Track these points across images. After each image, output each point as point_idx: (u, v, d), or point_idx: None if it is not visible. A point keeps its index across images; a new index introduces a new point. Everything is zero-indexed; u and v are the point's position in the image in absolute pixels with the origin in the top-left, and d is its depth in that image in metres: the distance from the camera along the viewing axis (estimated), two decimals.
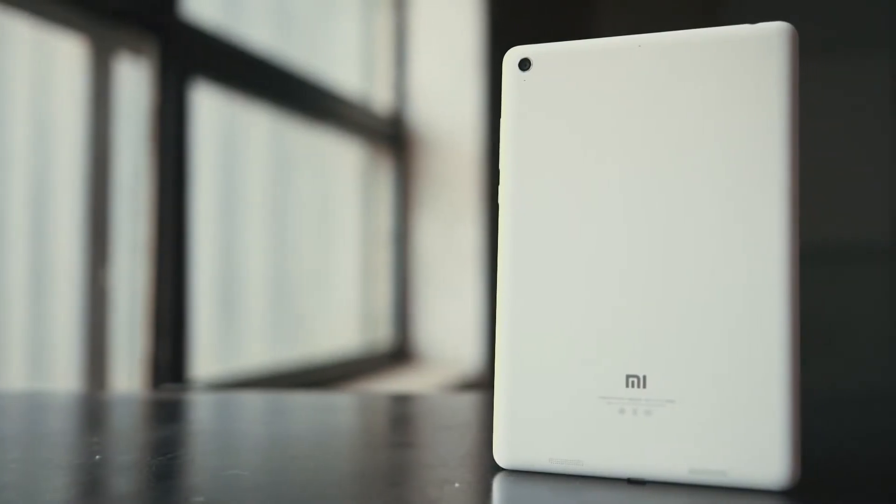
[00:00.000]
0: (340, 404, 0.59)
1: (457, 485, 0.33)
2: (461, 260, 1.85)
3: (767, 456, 0.31)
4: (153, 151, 1.07)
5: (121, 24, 1.05)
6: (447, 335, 1.86)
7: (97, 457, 0.38)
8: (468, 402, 0.61)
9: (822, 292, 2.23)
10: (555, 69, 0.36)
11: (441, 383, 1.64)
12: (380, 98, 1.87)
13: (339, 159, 1.72)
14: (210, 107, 1.26)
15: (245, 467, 0.37)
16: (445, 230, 1.86)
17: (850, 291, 2.33)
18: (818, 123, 2.15)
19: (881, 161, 2.32)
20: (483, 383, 1.77)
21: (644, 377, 0.33)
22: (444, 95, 1.88)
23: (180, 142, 1.11)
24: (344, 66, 1.76)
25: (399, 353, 1.86)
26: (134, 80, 1.08)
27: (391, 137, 1.86)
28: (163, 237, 1.08)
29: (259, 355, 1.41)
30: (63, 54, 1.02)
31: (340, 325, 1.70)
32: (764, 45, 0.33)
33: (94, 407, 0.59)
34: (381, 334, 1.83)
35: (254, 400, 0.60)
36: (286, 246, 1.52)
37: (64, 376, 1.01)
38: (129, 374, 1.07)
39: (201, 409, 0.58)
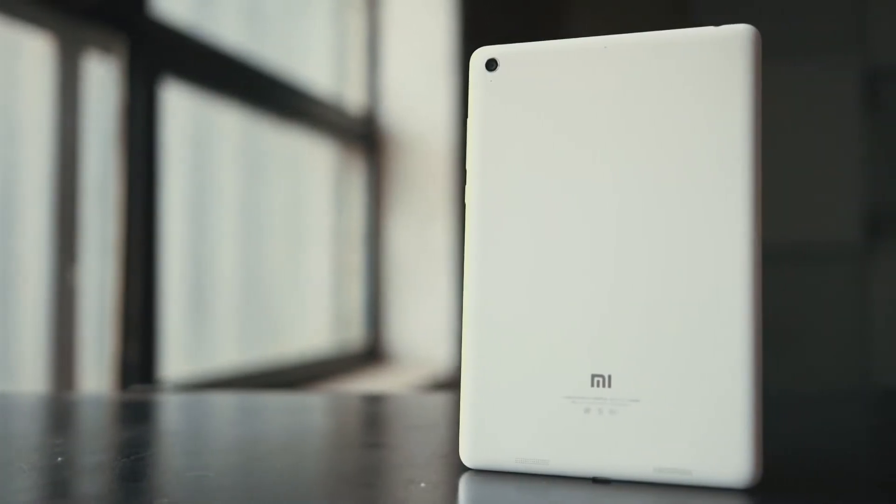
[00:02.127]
0: (311, 405, 0.59)
1: (423, 485, 0.33)
2: (433, 260, 1.85)
3: (730, 455, 0.32)
4: (122, 150, 1.06)
5: (90, 22, 1.04)
6: (419, 335, 1.86)
7: (59, 458, 0.38)
8: (439, 402, 0.61)
9: (786, 292, 2.26)
10: (521, 70, 0.36)
11: (413, 383, 1.64)
12: (352, 98, 1.86)
13: (310, 159, 1.71)
14: (180, 106, 1.25)
15: (212, 468, 0.37)
16: (418, 230, 1.86)
17: (813, 292, 2.36)
18: (786, 125, 2.18)
19: (848, 162, 2.35)
20: (455, 383, 1.78)
21: (609, 377, 0.34)
22: (416, 95, 1.88)
23: (150, 141, 1.10)
24: (316, 66, 1.76)
25: (371, 354, 1.86)
26: (103, 78, 1.07)
27: (363, 137, 1.86)
28: (132, 236, 1.07)
29: (230, 356, 1.40)
30: (31, 52, 1.01)
31: (312, 325, 1.70)
32: (727, 47, 0.33)
33: (61, 408, 0.59)
34: (353, 334, 1.83)
35: (224, 401, 0.60)
36: (257, 246, 1.51)
37: (31, 377, 1.00)
38: (97, 374, 1.06)
39: (171, 410, 0.57)
